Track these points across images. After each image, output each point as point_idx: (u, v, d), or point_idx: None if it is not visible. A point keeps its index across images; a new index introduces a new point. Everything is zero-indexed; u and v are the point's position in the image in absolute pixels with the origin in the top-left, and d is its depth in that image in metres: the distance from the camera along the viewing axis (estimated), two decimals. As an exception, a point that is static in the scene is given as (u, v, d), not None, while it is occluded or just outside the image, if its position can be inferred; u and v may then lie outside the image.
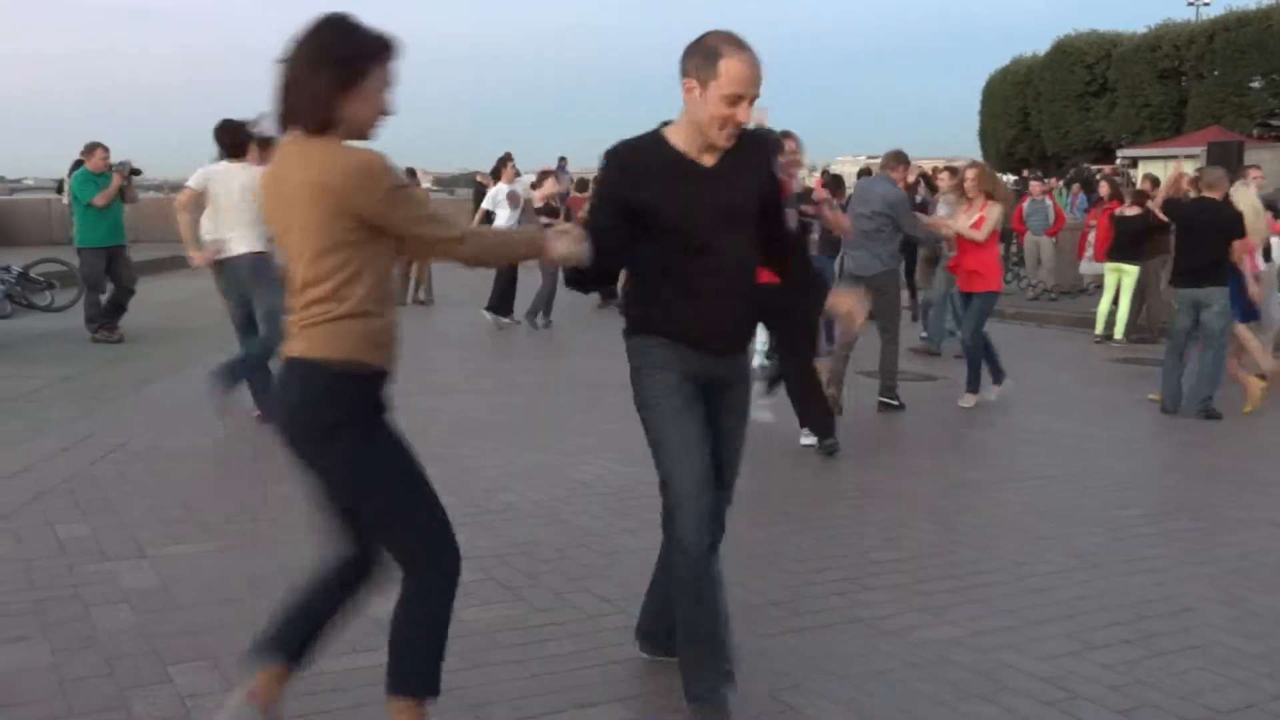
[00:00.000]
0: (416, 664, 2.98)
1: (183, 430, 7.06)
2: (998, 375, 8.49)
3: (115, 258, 10.98)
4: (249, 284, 7.33)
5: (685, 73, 3.18)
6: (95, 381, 8.91)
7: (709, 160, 3.26)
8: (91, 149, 10.87)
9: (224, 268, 7.32)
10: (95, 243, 10.81)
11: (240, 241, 7.26)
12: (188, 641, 3.86)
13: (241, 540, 4.96)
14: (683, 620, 3.34)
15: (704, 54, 3.14)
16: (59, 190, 23.78)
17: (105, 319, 10.92)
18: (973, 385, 8.51)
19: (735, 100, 3.12)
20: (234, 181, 7.24)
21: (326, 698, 3.46)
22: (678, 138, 3.26)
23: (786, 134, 7.03)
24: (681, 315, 3.28)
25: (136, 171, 11.07)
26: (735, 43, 3.14)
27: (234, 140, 7.31)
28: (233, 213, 7.24)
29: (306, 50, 2.74)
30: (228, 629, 3.98)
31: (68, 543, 4.87)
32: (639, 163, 3.26)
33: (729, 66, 3.11)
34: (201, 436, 6.91)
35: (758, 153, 3.35)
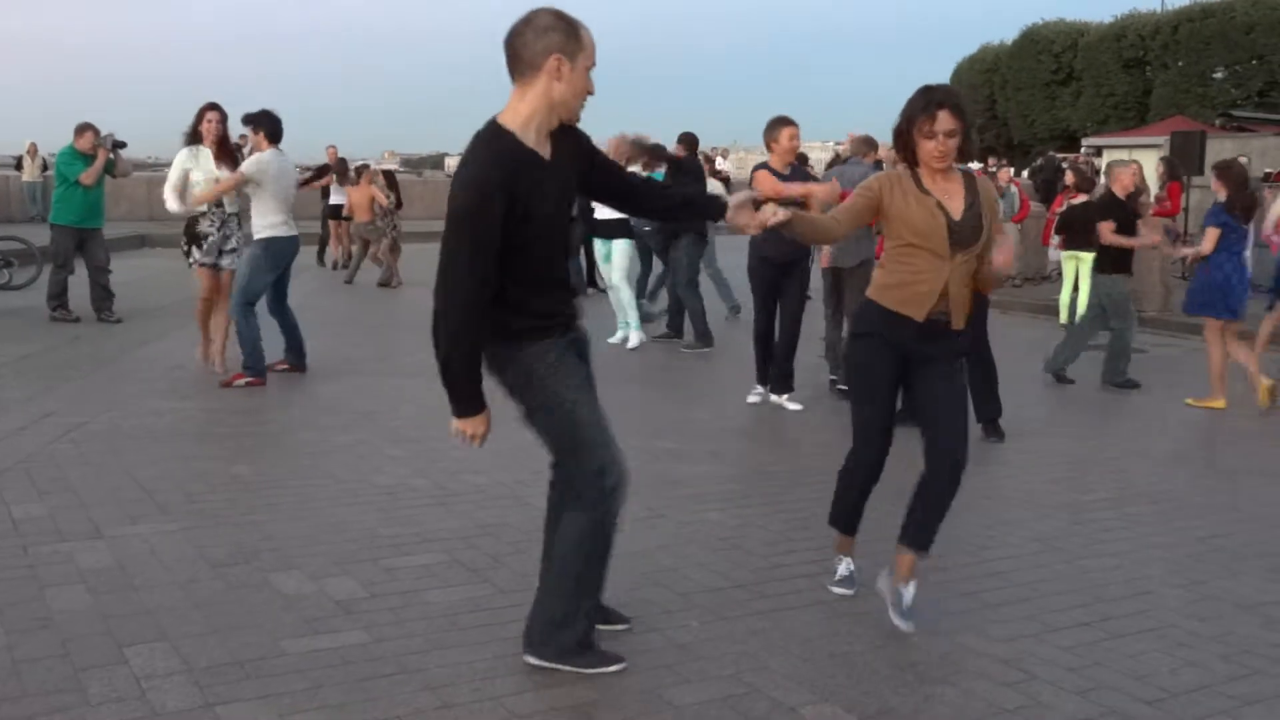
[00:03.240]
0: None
1: (142, 410, 6.98)
2: None
3: (89, 238, 10.79)
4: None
5: (547, 52, 3.15)
6: (54, 360, 8.79)
7: (547, 153, 3.27)
8: (82, 130, 10.68)
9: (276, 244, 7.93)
10: (69, 221, 10.64)
11: (288, 226, 7.94)
12: (144, 622, 3.81)
13: (199, 521, 4.91)
14: (588, 576, 3.51)
15: (565, 30, 3.16)
16: (17, 167, 23.48)
17: (100, 305, 10.75)
18: None
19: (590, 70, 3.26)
20: (285, 168, 8.00)
21: (286, 679, 3.43)
22: (523, 132, 3.22)
23: (786, 120, 7.34)
24: (560, 308, 3.44)
25: (121, 144, 10.90)
26: (571, 15, 3.24)
27: (277, 129, 7.98)
28: (283, 198, 7.91)
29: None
30: (184, 610, 3.94)
31: (23, 523, 4.80)
32: (516, 165, 3.20)
33: (588, 38, 3.21)
34: (160, 416, 6.83)
35: (571, 138, 3.38)
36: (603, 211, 9.70)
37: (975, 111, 46.48)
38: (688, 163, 10.98)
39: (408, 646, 3.69)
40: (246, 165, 7.90)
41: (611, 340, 10.15)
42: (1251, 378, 8.35)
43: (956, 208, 3.87)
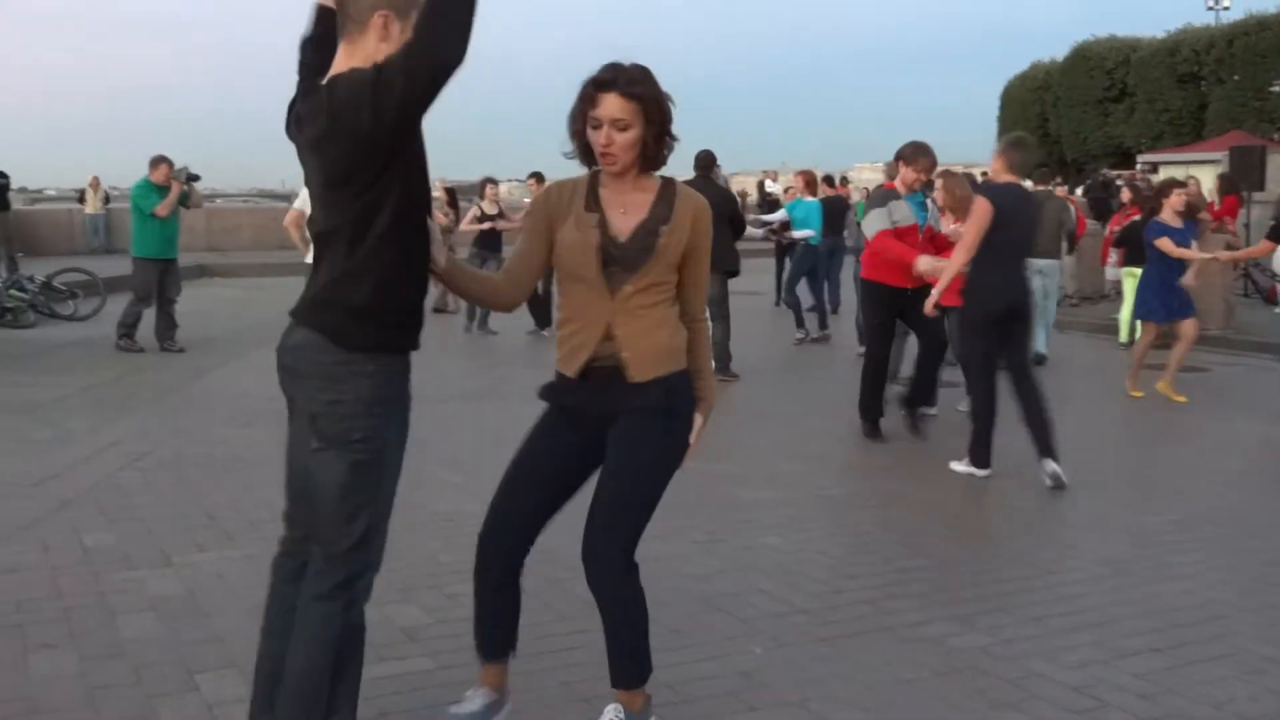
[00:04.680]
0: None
1: (206, 438, 7.09)
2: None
3: (167, 270, 11.02)
4: None
5: (373, 7, 2.68)
6: (119, 390, 8.95)
7: None
8: (156, 163, 10.91)
9: None
10: (150, 254, 10.87)
11: None
12: (214, 649, 3.86)
13: (265, 547, 4.93)
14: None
15: None
16: (80, 200, 24.01)
17: (163, 335, 10.96)
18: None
19: None
20: None
21: (353, 706, 3.45)
22: None
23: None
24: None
25: (195, 177, 11.15)
26: None
27: None
28: None
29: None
30: (252, 637, 3.95)
31: (93, 551, 4.88)
32: None
33: None
34: (224, 444, 6.93)
35: None
36: None
37: (1027, 129, 46.19)
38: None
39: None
40: None
41: None
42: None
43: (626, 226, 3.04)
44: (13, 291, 12.84)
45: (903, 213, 7.27)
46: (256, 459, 6.62)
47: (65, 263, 14.90)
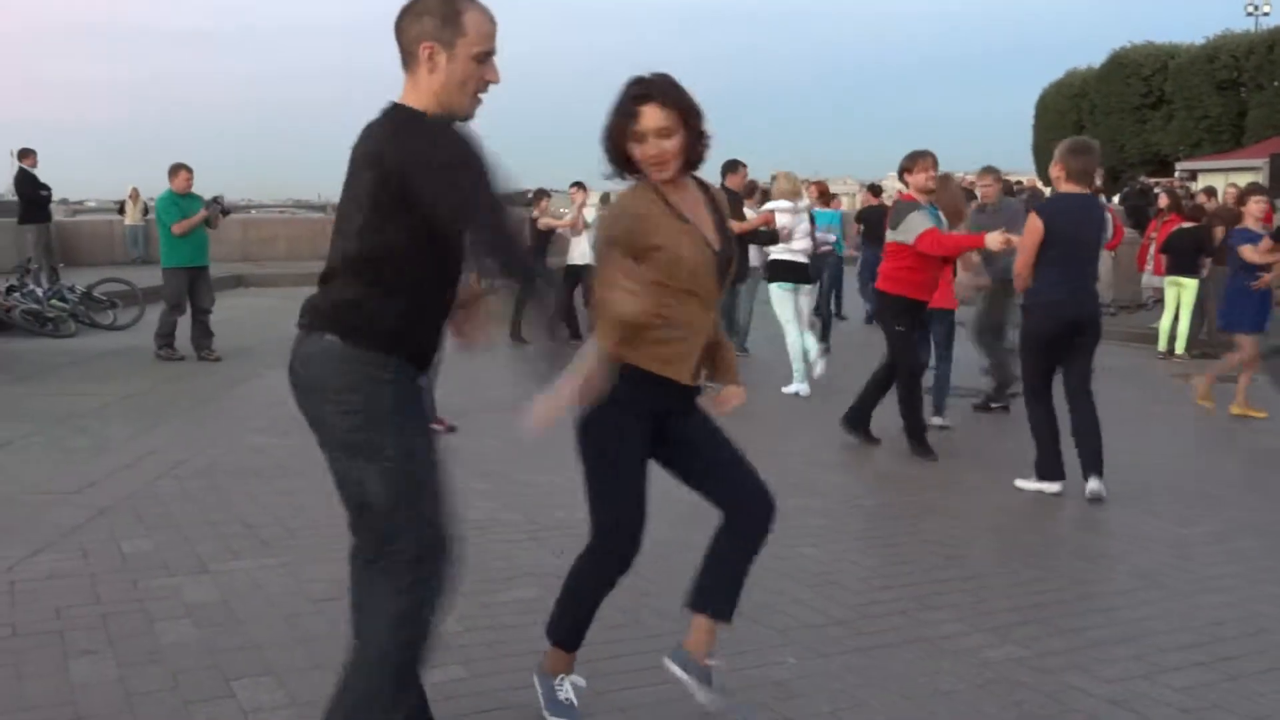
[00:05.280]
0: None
1: (242, 447, 7.15)
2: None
3: (197, 278, 11.15)
4: None
5: (418, 39, 2.75)
6: (157, 399, 9.04)
7: None
8: (176, 170, 11.02)
9: None
10: (180, 263, 11.01)
11: None
12: (250, 656, 3.89)
13: (300, 556, 5.00)
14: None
15: (441, 13, 2.75)
16: (120, 211, 24.32)
17: (200, 343, 11.08)
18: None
19: (484, 57, 2.80)
20: None
21: (387, 714, 3.46)
22: None
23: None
24: None
25: (226, 212, 11.29)
26: None
27: None
28: None
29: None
30: (288, 644, 4.01)
31: (131, 558, 4.93)
32: None
33: (474, 19, 2.76)
34: (259, 453, 6.98)
35: None
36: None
37: (1063, 137, 45.85)
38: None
39: (508, 682, 3.71)
40: None
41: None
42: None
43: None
44: (54, 301, 13.01)
45: (927, 219, 7.17)
46: (293, 468, 6.66)
47: (105, 273, 15.09)
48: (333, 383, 2.83)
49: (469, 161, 2.64)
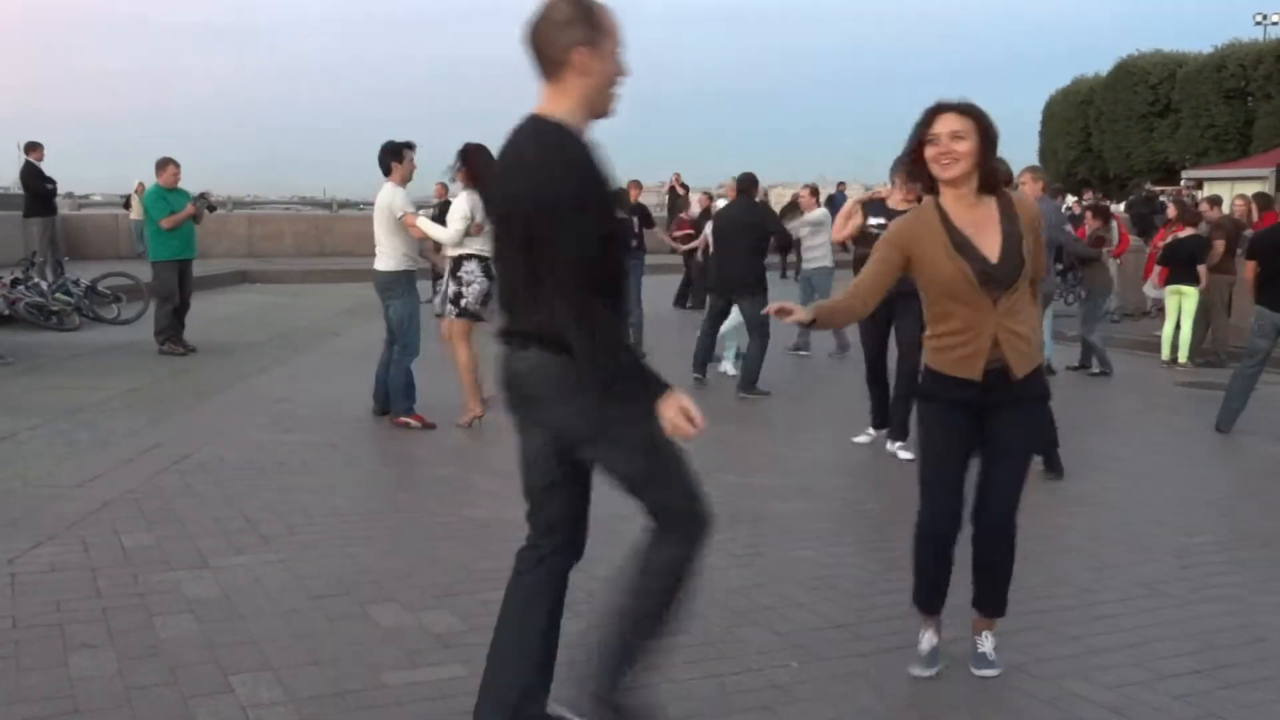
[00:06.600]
0: None
1: (244, 443, 7.15)
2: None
3: (185, 270, 11.21)
4: (382, 295, 7.97)
5: (574, 44, 2.84)
6: (160, 393, 9.05)
7: None
8: (164, 164, 11.08)
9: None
10: (170, 256, 11.08)
11: (378, 259, 7.90)
12: (249, 651, 3.89)
13: (300, 552, 5.00)
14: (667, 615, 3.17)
15: (584, 19, 2.85)
16: (125, 206, 24.32)
17: (169, 333, 11.13)
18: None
19: (621, 53, 2.94)
20: (382, 200, 7.86)
21: (387, 711, 3.47)
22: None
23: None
24: None
25: (213, 208, 11.33)
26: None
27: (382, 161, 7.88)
28: (380, 230, 7.84)
29: None
30: (287, 640, 4.01)
31: (133, 552, 4.94)
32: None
33: (609, 20, 2.89)
34: (262, 449, 6.99)
35: None
36: None
37: (1069, 144, 45.81)
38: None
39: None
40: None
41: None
42: None
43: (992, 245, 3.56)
44: (59, 295, 13.03)
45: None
46: (295, 464, 6.67)
47: (110, 267, 15.09)
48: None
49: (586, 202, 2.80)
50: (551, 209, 2.77)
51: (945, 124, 3.50)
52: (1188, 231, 12.22)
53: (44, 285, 13.02)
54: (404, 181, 7.90)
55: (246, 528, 5.34)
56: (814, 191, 13.14)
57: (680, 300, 16.56)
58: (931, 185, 3.63)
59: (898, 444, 7.33)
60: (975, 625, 3.93)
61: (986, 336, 3.56)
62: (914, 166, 3.60)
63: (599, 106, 2.94)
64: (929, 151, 3.52)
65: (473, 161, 7.48)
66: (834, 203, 18.71)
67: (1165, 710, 3.64)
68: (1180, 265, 12.18)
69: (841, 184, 27.99)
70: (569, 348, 2.83)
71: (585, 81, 2.87)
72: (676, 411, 2.82)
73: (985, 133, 3.51)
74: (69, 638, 3.97)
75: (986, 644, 3.88)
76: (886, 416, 7.58)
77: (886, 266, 3.64)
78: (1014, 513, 3.73)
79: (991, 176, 3.58)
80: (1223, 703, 3.70)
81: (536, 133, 2.89)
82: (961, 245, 3.53)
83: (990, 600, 3.87)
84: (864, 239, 7.37)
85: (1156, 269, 13.14)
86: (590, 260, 2.80)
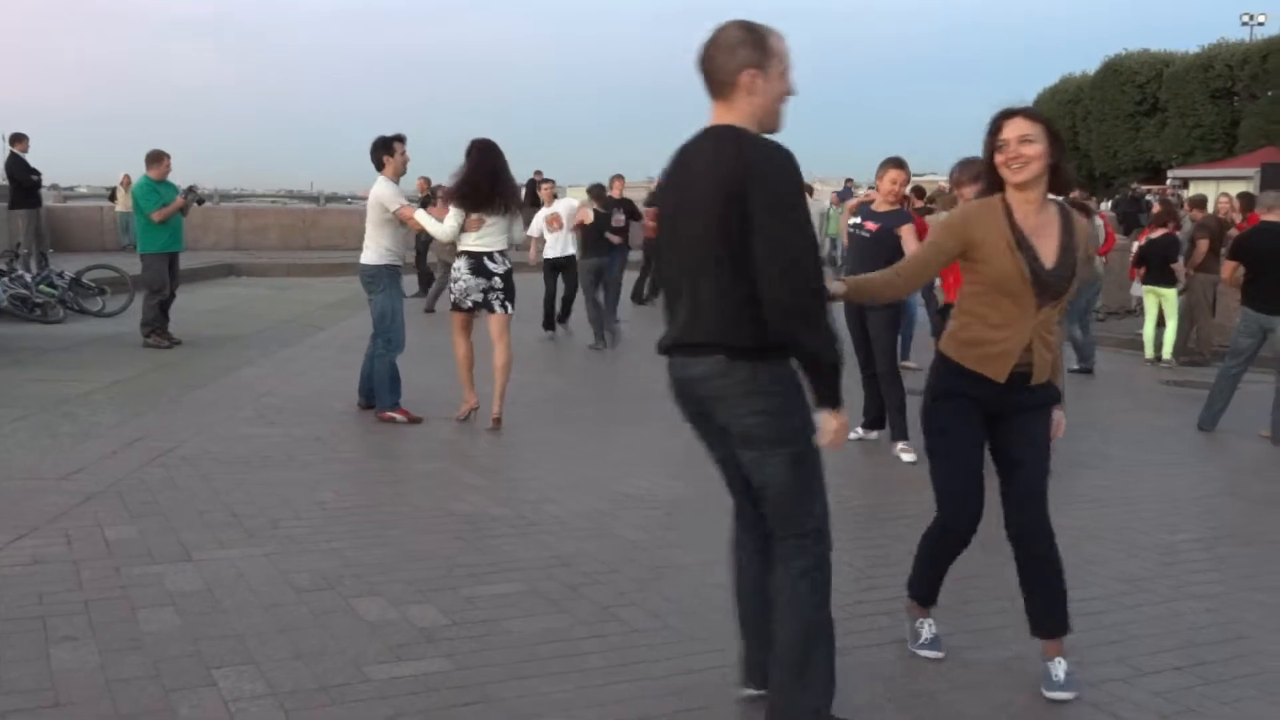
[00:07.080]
0: None
1: (229, 436, 7.13)
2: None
3: (171, 264, 11.19)
4: (366, 288, 7.97)
5: (739, 68, 3.04)
6: (145, 386, 9.01)
7: None
8: (158, 157, 11.05)
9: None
10: (159, 248, 11.05)
11: (364, 251, 7.91)
12: (231, 645, 3.88)
13: (284, 546, 4.99)
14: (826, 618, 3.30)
15: (753, 42, 3.05)
16: (111, 198, 24.21)
17: (155, 325, 11.10)
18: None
19: (788, 74, 3.14)
20: (373, 194, 7.86)
21: (370, 706, 3.47)
22: None
23: (891, 162, 7.33)
24: None
25: (201, 201, 11.31)
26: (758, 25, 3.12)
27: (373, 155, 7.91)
28: (368, 223, 7.87)
29: None
30: (270, 634, 4.00)
31: (116, 545, 4.92)
32: None
33: (777, 43, 3.10)
34: (247, 442, 6.97)
35: None
36: None
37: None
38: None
39: (489, 675, 3.71)
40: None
41: None
42: None
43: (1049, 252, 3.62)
44: (43, 287, 12.97)
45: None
46: (279, 458, 6.65)
47: (95, 259, 15.03)
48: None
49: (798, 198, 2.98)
50: (768, 201, 2.90)
51: (1013, 129, 3.57)
52: (1160, 232, 12.28)
53: (28, 277, 12.96)
54: (397, 175, 7.89)
55: (230, 521, 5.33)
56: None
57: (637, 296, 16.19)
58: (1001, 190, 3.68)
59: (899, 445, 7.33)
60: (1046, 650, 3.77)
61: (1022, 339, 3.60)
62: (988, 173, 3.67)
63: (766, 124, 3.09)
64: (998, 157, 3.60)
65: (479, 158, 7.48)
66: (841, 199, 21.15)
67: (1146, 706, 3.66)
68: (1155, 266, 12.24)
69: (849, 180, 28.15)
70: (749, 352, 2.99)
71: (753, 100, 3.05)
72: (841, 425, 3.02)
73: (1052, 135, 3.59)
74: (51, 630, 3.95)
75: (1059, 669, 3.73)
76: (879, 417, 7.59)
77: (937, 252, 3.71)
78: (1051, 533, 3.76)
79: (1061, 177, 3.65)
80: (1202, 699, 3.73)
81: (731, 139, 3.01)
82: (1022, 243, 3.59)
83: (1047, 623, 3.76)
84: (851, 239, 7.51)
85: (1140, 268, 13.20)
86: (813, 251, 2.95)
